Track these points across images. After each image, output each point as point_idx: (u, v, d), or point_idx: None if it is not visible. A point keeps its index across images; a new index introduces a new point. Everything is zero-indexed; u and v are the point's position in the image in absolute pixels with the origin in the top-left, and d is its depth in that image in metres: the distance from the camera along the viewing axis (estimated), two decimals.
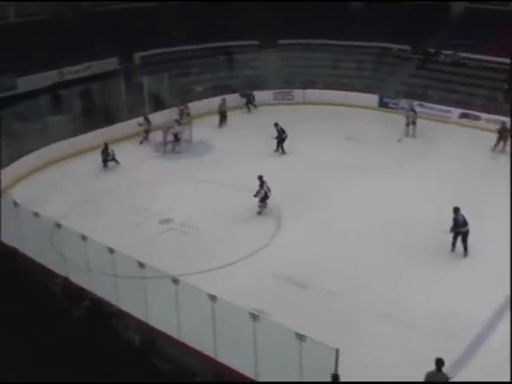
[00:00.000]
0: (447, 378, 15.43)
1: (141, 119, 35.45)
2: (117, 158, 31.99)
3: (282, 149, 32.67)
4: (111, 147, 32.02)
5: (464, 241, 22.44)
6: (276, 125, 32.49)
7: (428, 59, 41.68)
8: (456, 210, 22.26)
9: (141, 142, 34.94)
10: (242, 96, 40.20)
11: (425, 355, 16.72)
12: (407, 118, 35.01)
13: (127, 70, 39.93)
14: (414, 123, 34.87)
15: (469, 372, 16.59)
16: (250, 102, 40.13)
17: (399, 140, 33.95)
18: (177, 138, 33.84)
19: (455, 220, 22.26)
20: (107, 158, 31.81)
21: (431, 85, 40.05)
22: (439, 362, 15.11)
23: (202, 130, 35.64)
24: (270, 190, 26.05)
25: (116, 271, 18.16)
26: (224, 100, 38.39)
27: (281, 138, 32.44)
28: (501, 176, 26.94)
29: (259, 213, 26.10)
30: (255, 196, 25.82)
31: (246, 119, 37.02)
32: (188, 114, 36.86)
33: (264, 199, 26.05)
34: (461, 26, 42.28)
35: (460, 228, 22.27)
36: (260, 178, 25.94)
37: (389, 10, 44.63)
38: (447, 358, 16.22)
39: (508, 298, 19.44)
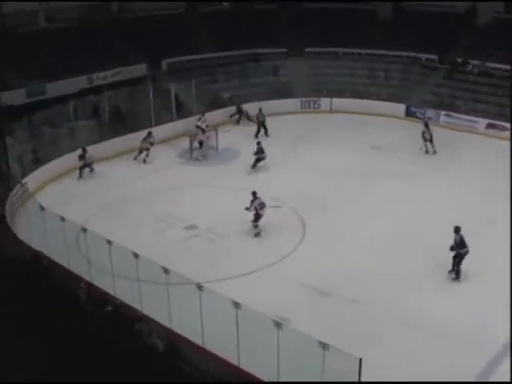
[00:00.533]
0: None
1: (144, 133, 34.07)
2: (142, 163, 32.32)
3: (254, 166, 31.83)
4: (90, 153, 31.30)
5: (458, 263, 21.56)
6: (258, 143, 31.99)
7: (455, 69, 41.49)
8: (457, 230, 21.39)
9: (135, 158, 33.48)
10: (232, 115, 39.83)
11: (447, 364, 16.79)
12: (423, 133, 33.81)
13: (155, 77, 40.15)
14: (430, 141, 33.54)
15: None
16: (240, 116, 39.58)
17: (421, 149, 33.69)
18: (200, 146, 33.98)
19: (455, 240, 21.50)
20: (87, 163, 31.11)
21: (458, 95, 39.85)
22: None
23: (229, 136, 35.70)
24: (262, 208, 24.78)
25: (140, 276, 18.23)
26: (260, 110, 37.79)
27: (259, 157, 31.75)
28: None
29: (255, 235, 24.99)
30: (246, 209, 24.76)
31: (271, 127, 36.92)
32: (201, 129, 35.06)
33: (256, 219, 24.86)
34: (488, 36, 42.09)
35: (457, 249, 21.46)
36: (253, 193, 24.88)
37: (416, 19, 44.59)
38: (468, 368, 16.34)
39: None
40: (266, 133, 36.92)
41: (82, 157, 31.04)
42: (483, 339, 18.22)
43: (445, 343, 18.10)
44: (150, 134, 33.70)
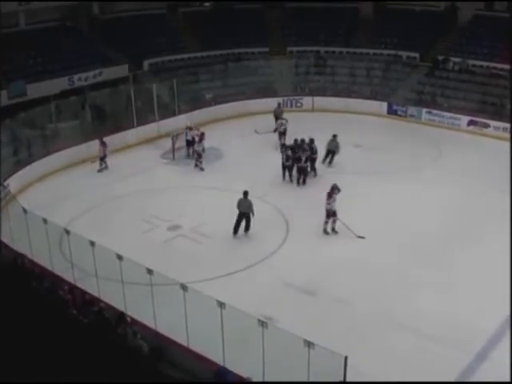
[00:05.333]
0: (251, 203, 24.42)
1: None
2: (126, 164, 32.32)
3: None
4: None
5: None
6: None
7: (437, 67, 41.65)
8: (312, 141, 29.61)
9: (99, 171, 31.96)
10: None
11: (435, 364, 16.83)
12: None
13: (136, 77, 40.08)
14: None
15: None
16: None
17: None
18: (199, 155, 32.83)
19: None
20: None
21: (440, 92, 40.03)
22: (245, 192, 24.61)
23: (214, 135, 35.53)
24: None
25: (124, 278, 18.17)
26: (279, 105, 37.79)
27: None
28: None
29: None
30: None
31: (257, 126, 36.82)
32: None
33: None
34: (469, 34, 42.47)
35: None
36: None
37: (398, 17, 44.79)
38: (456, 366, 16.40)
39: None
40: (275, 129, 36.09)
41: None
42: (470, 337, 18.33)
43: (432, 341, 18.17)
44: (101, 141, 32.13)
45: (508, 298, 19.08)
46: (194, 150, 32.82)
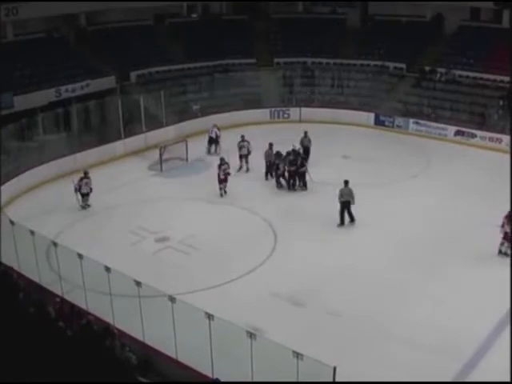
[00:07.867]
0: (351, 191, 25.78)
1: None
2: (113, 176, 32.08)
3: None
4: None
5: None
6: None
7: (423, 77, 41.80)
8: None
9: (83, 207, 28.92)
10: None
11: (426, 373, 16.82)
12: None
13: (123, 88, 40.03)
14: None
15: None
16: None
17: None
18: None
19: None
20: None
21: (427, 103, 40.16)
22: (346, 181, 26.10)
23: (200, 147, 35.54)
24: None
25: (112, 290, 18.11)
26: (305, 133, 34.43)
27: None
28: (499, 193, 27.03)
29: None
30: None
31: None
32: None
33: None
34: (455, 44, 42.69)
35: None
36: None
37: (384, 28, 44.97)
38: (449, 377, 16.44)
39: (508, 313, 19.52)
40: (306, 159, 32.16)
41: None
42: (463, 344, 18.38)
43: (425, 350, 18.18)
44: (86, 174, 29.16)
45: (501, 305, 19.27)
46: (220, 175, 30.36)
